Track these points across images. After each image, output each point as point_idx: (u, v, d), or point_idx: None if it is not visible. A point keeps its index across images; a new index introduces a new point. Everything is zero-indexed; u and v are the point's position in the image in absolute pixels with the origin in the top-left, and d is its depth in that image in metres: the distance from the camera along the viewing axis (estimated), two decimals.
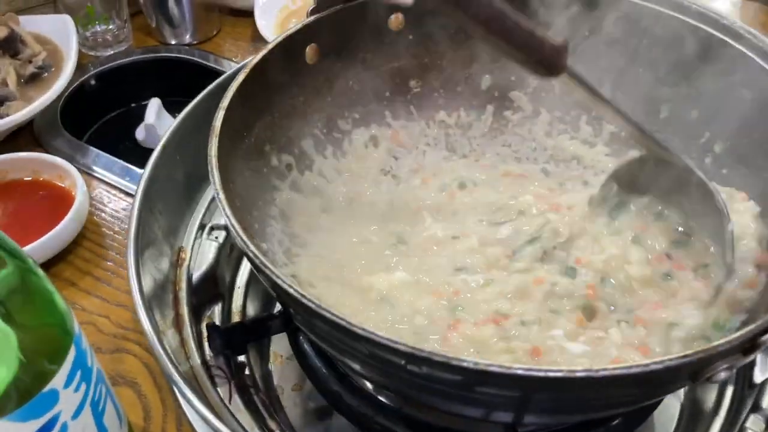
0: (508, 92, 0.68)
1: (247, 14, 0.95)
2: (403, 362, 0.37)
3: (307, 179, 0.62)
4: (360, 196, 0.63)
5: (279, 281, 0.39)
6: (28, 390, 0.34)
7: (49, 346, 0.36)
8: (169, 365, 0.46)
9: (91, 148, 0.77)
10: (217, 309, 0.61)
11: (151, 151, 0.58)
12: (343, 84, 0.64)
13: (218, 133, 0.49)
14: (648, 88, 0.61)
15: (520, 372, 0.34)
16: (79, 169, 0.68)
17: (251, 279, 0.65)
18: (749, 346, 0.36)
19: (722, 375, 0.36)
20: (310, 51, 0.60)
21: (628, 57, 0.62)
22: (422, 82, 0.67)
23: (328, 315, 0.37)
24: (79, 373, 0.37)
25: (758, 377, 0.53)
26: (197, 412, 0.44)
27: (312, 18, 0.59)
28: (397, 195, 0.64)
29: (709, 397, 0.57)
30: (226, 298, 0.63)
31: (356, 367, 0.47)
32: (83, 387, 0.38)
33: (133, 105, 0.93)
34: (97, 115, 0.91)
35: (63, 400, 0.36)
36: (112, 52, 0.91)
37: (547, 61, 0.47)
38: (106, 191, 0.73)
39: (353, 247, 0.57)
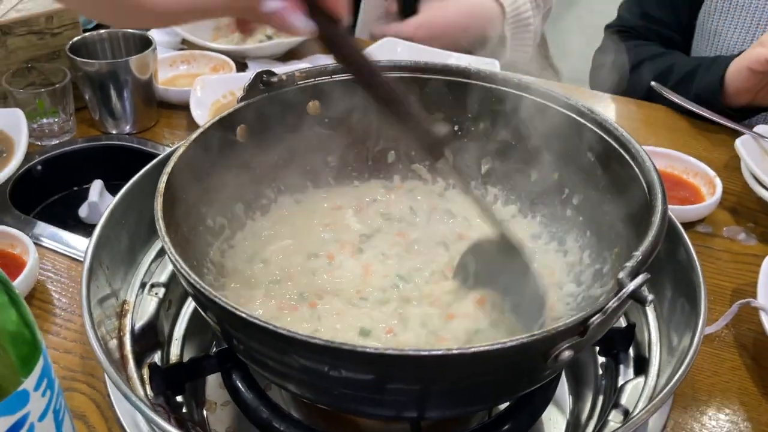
0: (411, 165, 0.81)
1: (182, 108, 1.06)
2: (325, 366, 0.46)
3: (237, 239, 0.72)
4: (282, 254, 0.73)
5: (212, 297, 0.48)
6: (4, 390, 0.41)
7: (22, 353, 0.43)
8: (128, 390, 0.53)
9: (39, 221, 0.84)
10: (157, 356, 0.67)
11: (92, 226, 0.66)
12: (270, 158, 0.74)
13: (162, 192, 0.58)
14: (522, 157, 0.76)
15: (410, 353, 0.44)
16: None
17: (188, 330, 0.72)
18: (582, 328, 0.47)
19: (566, 354, 0.47)
20: (240, 130, 0.71)
21: (503, 135, 0.76)
22: (337, 157, 0.79)
23: (252, 320, 0.46)
24: (45, 381, 0.44)
25: (620, 382, 0.64)
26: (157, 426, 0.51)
27: (242, 103, 0.71)
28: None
29: (586, 407, 0.67)
30: (165, 347, 0.69)
31: (290, 386, 0.55)
32: (48, 393, 0.45)
33: (75, 188, 1.00)
34: (43, 196, 0.98)
35: (32, 402, 0.43)
36: (57, 141, 1.00)
37: (429, 147, 0.58)
38: (53, 258, 0.80)
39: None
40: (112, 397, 0.59)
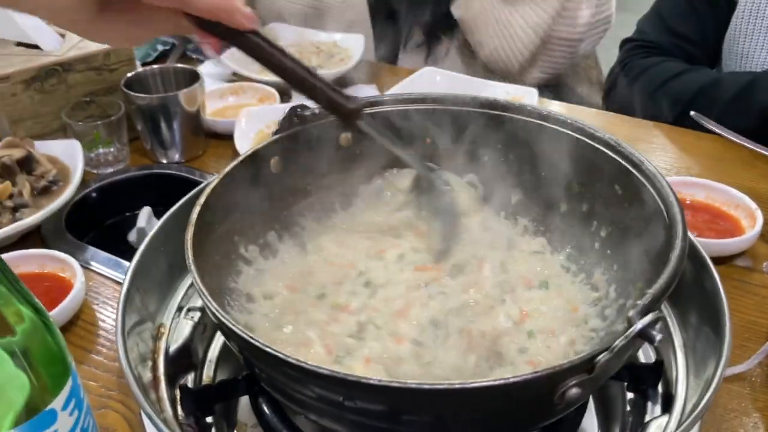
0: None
1: (230, 137, 1.11)
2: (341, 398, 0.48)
3: (269, 265, 0.74)
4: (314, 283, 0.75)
5: (230, 325, 0.50)
6: (34, 408, 0.45)
7: (53, 375, 0.46)
8: (151, 411, 0.56)
9: (89, 246, 0.90)
10: (190, 377, 0.70)
11: None
12: (303, 188, 0.78)
13: (194, 223, 0.62)
14: (550, 189, 0.76)
15: (412, 386, 0.45)
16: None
17: (222, 354, 0.75)
18: (590, 366, 0.47)
19: (574, 391, 0.47)
20: (274, 162, 0.74)
21: (534, 166, 0.76)
22: (368, 187, 0.82)
23: (271, 351, 0.48)
24: (73, 401, 0.48)
25: (647, 418, 0.63)
26: None
27: (276, 137, 0.74)
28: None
29: None
30: (198, 368, 0.72)
31: (311, 415, 0.57)
32: (76, 413, 0.48)
33: (127, 214, 1.06)
34: (96, 221, 1.04)
35: (60, 421, 0.46)
36: (111, 170, 1.06)
37: (344, 117, 0.70)
38: (101, 281, 0.85)
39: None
40: (142, 417, 0.62)
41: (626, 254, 0.67)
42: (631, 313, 0.48)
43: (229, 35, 0.62)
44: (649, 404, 0.65)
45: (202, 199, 0.65)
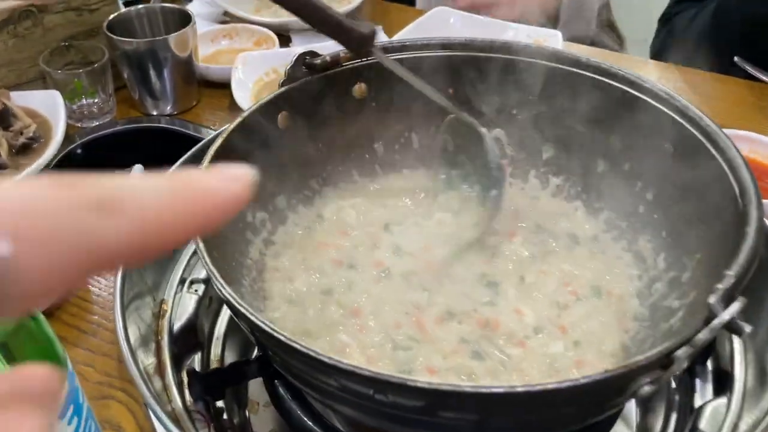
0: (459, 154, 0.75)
1: (224, 86, 1.02)
2: (371, 391, 0.42)
3: (279, 234, 0.67)
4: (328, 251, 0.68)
5: (258, 322, 0.43)
6: None
7: None
8: (156, 406, 0.50)
9: None
10: (197, 358, 0.64)
11: None
12: (312, 146, 0.70)
13: None
14: (586, 146, 0.69)
15: (468, 390, 0.39)
16: None
17: (229, 329, 0.69)
18: (666, 361, 0.41)
19: (646, 389, 0.41)
20: (281, 117, 0.66)
21: (568, 120, 0.69)
22: (385, 143, 0.74)
23: (303, 349, 0.41)
24: (71, 408, 0.41)
25: (697, 402, 0.58)
26: None
27: (283, 88, 0.65)
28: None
29: (657, 424, 0.61)
30: (205, 348, 0.66)
31: (329, 402, 0.51)
32: (75, 420, 0.42)
33: (116, 172, 0.98)
34: None
35: None
36: (97, 123, 0.97)
37: (355, 44, 0.60)
38: None
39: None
40: (148, 408, 0.57)
41: (678, 220, 0.61)
42: (712, 300, 0.42)
43: None
44: (698, 382, 0.61)
45: (205, 163, 0.57)
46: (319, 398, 0.53)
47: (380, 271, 0.63)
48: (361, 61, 0.68)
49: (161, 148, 0.97)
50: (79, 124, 0.97)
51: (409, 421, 0.47)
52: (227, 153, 0.59)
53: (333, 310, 0.60)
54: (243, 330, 0.70)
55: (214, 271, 0.47)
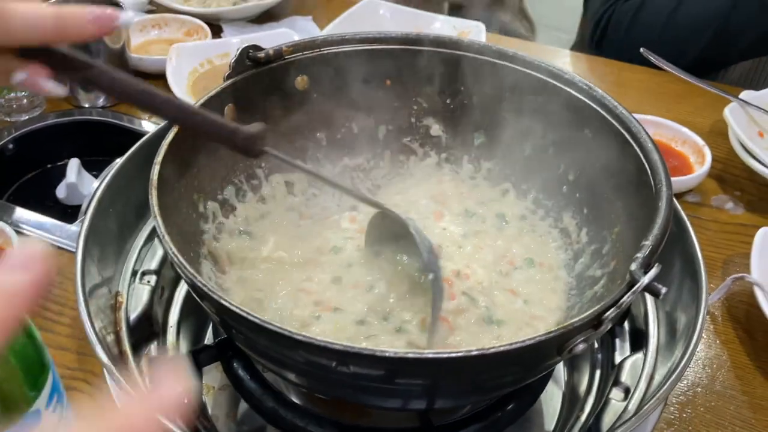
0: (401, 139, 0.80)
1: (158, 77, 1.01)
2: (333, 363, 0.46)
3: (230, 223, 0.70)
4: (279, 234, 0.71)
5: (226, 303, 0.46)
6: (17, 412, 0.40)
7: (33, 372, 0.42)
8: (130, 390, 0.52)
9: (16, 207, 0.81)
10: (153, 346, 0.66)
11: (72, 207, 0.63)
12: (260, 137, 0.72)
13: (156, 185, 0.56)
14: (514, 133, 0.75)
15: (429, 356, 0.44)
16: None
17: (182, 317, 0.71)
18: (597, 322, 0.47)
19: (580, 347, 0.47)
20: (228, 111, 0.68)
21: (497, 109, 0.75)
22: (327, 132, 0.77)
23: (274, 329, 0.45)
24: (56, 397, 0.43)
25: (617, 359, 0.66)
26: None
27: (228, 82, 0.67)
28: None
29: (583, 381, 0.69)
30: (161, 336, 0.68)
31: (290, 376, 0.55)
32: (59, 409, 0.44)
33: (49, 165, 0.96)
34: (15, 176, 0.94)
35: (45, 420, 0.42)
36: (27, 117, 0.95)
37: (242, 146, 0.53)
38: None
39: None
40: (114, 397, 0.58)
41: (597, 198, 0.68)
42: (633, 267, 0.48)
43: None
44: (618, 341, 0.68)
45: (159, 158, 0.59)
46: (277, 370, 0.56)
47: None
48: (303, 54, 0.71)
49: (95, 141, 0.96)
50: (8, 119, 0.95)
51: (367, 389, 0.52)
52: (177, 148, 0.60)
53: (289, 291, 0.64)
54: (195, 317, 0.73)
55: (178, 256, 0.50)
